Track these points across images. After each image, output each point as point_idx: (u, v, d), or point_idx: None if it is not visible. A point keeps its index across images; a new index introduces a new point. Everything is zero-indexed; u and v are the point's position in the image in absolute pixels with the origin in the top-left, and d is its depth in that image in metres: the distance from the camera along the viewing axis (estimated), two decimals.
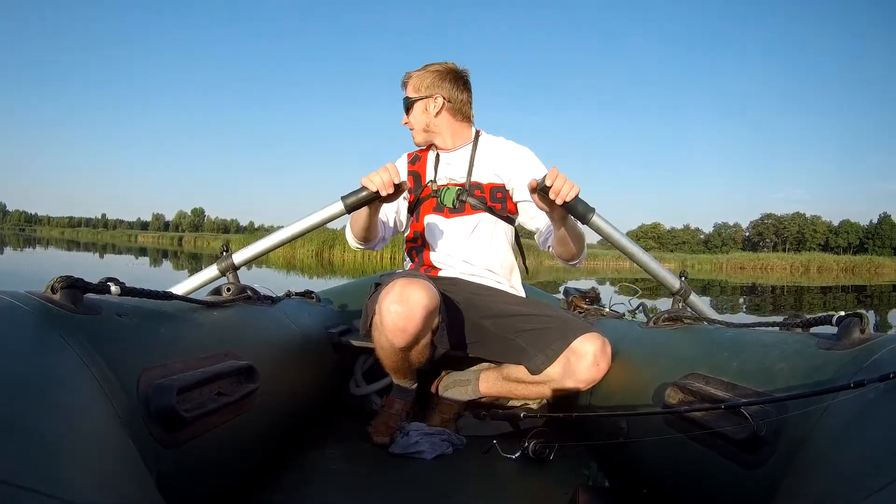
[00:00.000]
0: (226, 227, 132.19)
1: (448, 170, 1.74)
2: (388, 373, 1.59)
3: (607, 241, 1.48)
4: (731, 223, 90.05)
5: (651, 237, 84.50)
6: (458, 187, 1.70)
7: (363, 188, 1.42)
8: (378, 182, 1.39)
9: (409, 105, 1.73)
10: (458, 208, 1.69)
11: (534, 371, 1.48)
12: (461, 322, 1.57)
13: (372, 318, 1.44)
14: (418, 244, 1.76)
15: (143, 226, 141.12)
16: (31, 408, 0.50)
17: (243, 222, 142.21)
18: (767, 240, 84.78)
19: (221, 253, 1.45)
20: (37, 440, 0.46)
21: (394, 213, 1.75)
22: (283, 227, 1.56)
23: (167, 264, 15.13)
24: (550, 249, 1.63)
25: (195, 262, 15.88)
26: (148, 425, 0.72)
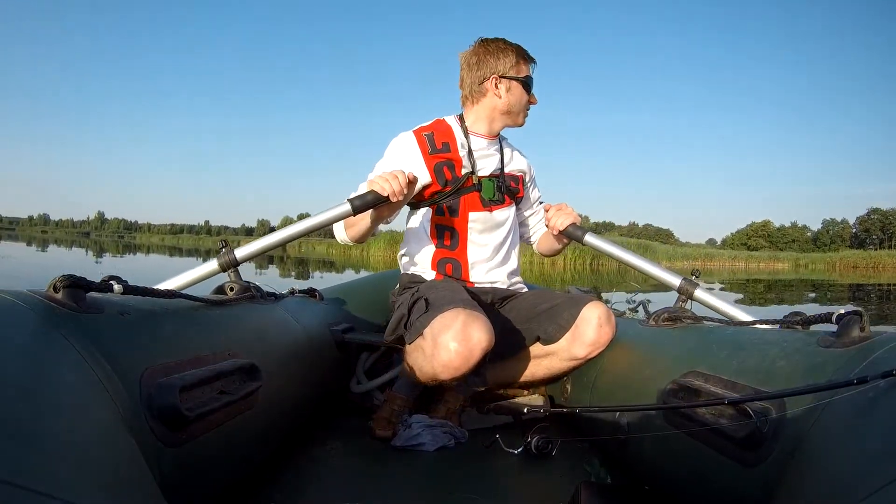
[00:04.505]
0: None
1: (484, 159, 1.70)
2: (391, 371, 1.60)
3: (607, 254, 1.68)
4: (839, 219, 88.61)
5: (761, 235, 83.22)
6: (495, 179, 1.70)
7: (371, 192, 1.40)
8: (389, 189, 1.38)
9: None
10: (499, 200, 1.70)
11: (547, 340, 1.54)
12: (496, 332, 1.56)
13: (417, 338, 1.38)
14: (450, 244, 1.67)
15: (248, 232, 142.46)
16: (33, 407, 0.50)
17: None
18: (874, 236, 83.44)
19: (220, 249, 1.44)
20: (38, 440, 0.47)
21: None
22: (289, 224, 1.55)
23: (273, 269, 13.76)
24: (533, 245, 1.92)
25: (302, 268, 14.80)
26: (150, 424, 0.73)
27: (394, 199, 1.39)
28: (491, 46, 1.64)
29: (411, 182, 1.42)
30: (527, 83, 1.65)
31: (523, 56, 1.65)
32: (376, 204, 1.42)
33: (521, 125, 1.72)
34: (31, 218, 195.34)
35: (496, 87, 1.63)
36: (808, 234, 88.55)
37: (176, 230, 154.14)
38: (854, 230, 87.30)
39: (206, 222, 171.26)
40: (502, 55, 1.63)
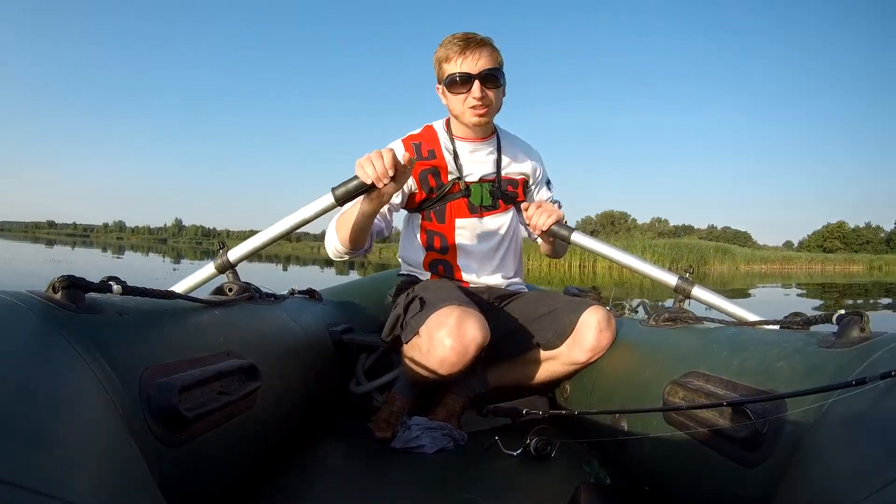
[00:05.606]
0: None
1: (474, 163, 1.65)
2: (391, 372, 1.59)
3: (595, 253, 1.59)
4: None
5: (836, 237, 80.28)
6: (489, 183, 1.67)
7: (354, 177, 1.22)
8: (372, 172, 1.20)
9: (499, 76, 1.50)
10: (491, 205, 1.67)
11: (547, 346, 1.52)
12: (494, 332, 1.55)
13: (413, 336, 1.39)
14: (440, 248, 1.67)
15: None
16: (32, 407, 0.50)
17: None
18: None
19: (218, 250, 1.45)
20: (37, 440, 0.47)
21: (391, 205, 1.62)
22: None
23: (354, 274, 13.50)
24: (538, 242, 1.76)
25: (363, 270, 14.88)
26: (149, 424, 0.73)
27: (380, 185, 1.21)
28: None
29: (405, 165, 1.24)
30: (450, 82, 1.50)
31: (447, 53, 1.50)
32: (361, 192, 1.23)
33: (472, 124, 1.56)
34: (105, 225, 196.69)
35: (441, 94, 1.59)
36: (882, 234, 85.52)
37: None
38: None
39: None
40: (435, 62, 1.56)
